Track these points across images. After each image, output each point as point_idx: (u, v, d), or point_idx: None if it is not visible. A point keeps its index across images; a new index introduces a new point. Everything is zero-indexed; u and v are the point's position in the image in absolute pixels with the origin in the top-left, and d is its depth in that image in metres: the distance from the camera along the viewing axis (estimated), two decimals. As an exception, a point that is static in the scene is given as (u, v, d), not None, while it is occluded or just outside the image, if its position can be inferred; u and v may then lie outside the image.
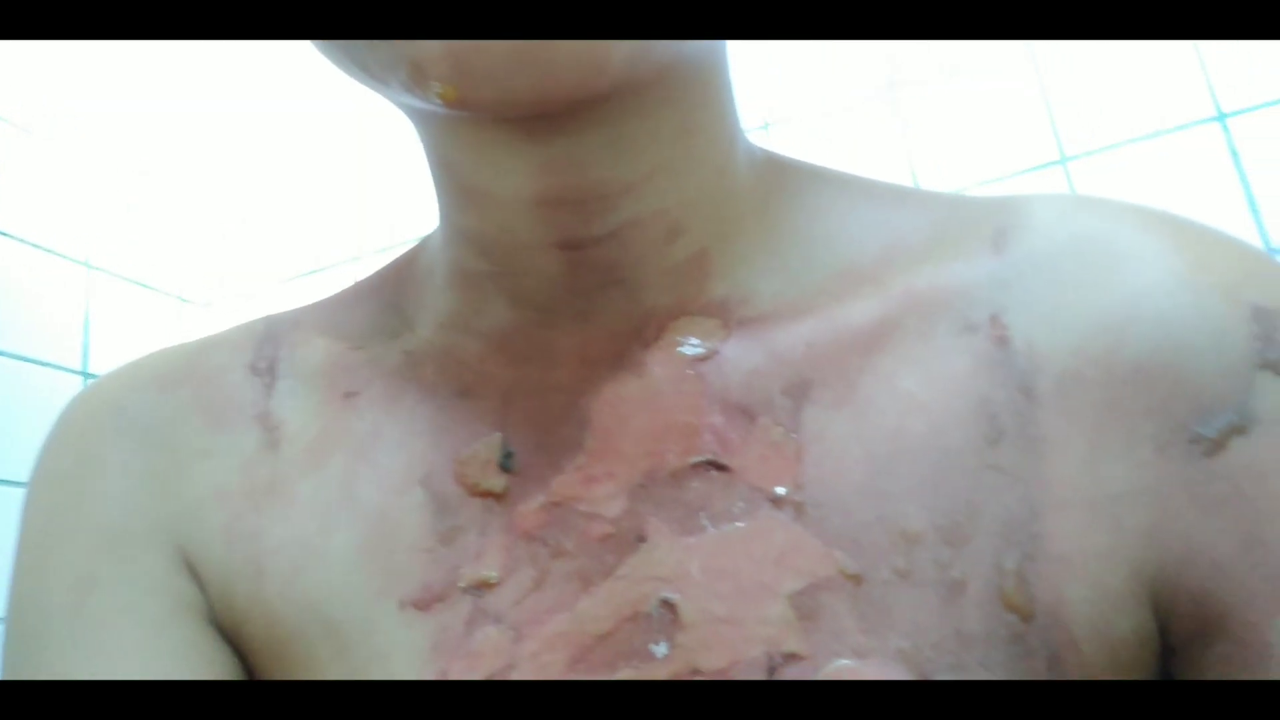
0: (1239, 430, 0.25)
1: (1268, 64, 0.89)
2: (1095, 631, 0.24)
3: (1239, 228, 0.88)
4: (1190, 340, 0.26)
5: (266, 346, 0.34)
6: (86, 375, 0.98)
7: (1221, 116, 0.90)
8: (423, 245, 0.35)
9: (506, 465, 0.29)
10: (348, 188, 1.21)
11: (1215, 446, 0.25)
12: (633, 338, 0.30)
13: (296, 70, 1.25)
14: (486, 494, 0.29)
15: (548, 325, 0.30)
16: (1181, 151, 0.91)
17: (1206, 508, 0.24)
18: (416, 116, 0.28)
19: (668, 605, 0.26)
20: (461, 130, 0.27)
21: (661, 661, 0.26)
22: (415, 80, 0.23)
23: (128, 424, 0.32)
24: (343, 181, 1.21)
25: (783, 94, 1.06)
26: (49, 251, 0.97)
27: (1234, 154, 0.89)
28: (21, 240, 0.95)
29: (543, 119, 0.25)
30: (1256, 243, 0.87)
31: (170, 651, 0.28)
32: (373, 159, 1.20)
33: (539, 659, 0.27)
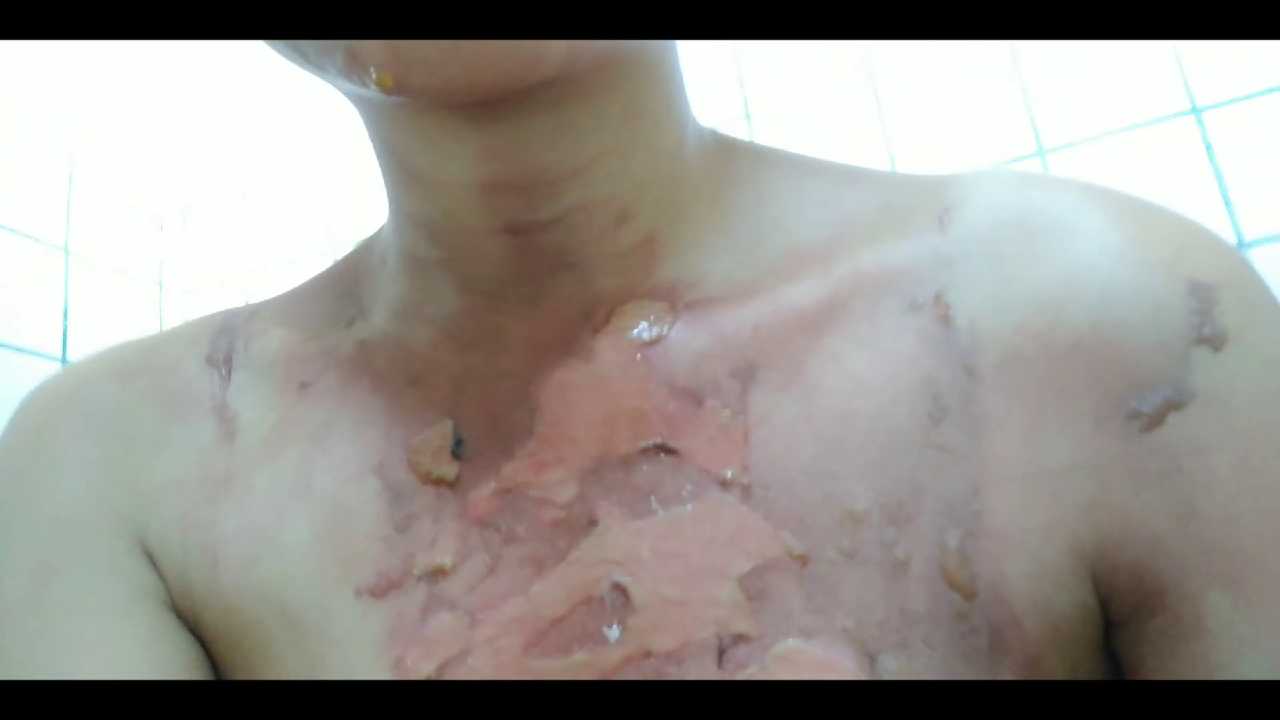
0: (1175, 405, 0.25)
1: (1242, 59, 0.90)
2: (1036, 608, 0.25)
3: (1213, 220, 0.89)
4: (1128, 316, 0.26)
5: (222, 339, 0.34)
6: (65, 362, 0.97)
7: (1196, 110, 0.91)
8: (376, 234, 0.35)
9: (458, 452, 0.29)
10: (329, 178, 1.20)
11: (1152, 422, 0.25)
12: (581, 323, 0.29)
13: (281, 60, 1.24)
14: (439, 481, 0.29)
15: (497, 311, 0.30)
16: (1157, 145, 0.92)
17: (1144, 483, 0.25)
18: (359, 101, 0.28)
19: (619, 588, 0.27)
20: (403, 116, 0.26)
21: (614, 644, 0.26)
22: (352, 67, 0.23)
23: (85, 416, 0.32)
24: (324, 172, 1.21)
25: (763, 84, 1.07)
26: (27, 237, 0.97)
27: (1208, 147, 0.90)
28: (0, 226, 0.94)
29: (484, 105, 0.25)
30: (1230, 236, 0.88)
31: (131, 638, 0.29)
32: (355, 150, 1.20)
33: (494, 644, 0.27)
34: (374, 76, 0.23)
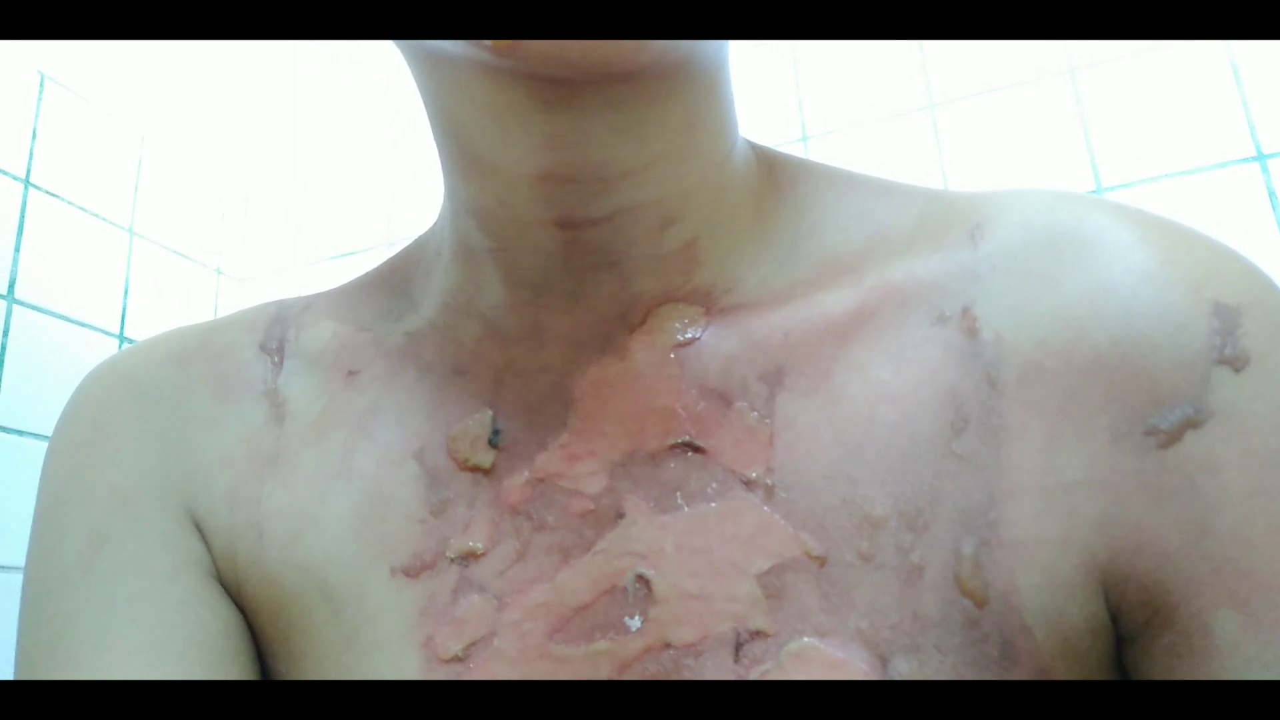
0: (1193, 424, 0.25)
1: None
2: (1047, 619, 0.25)
3: (1275, 269, 0.87)
4: (1150, 333, 0.26)
5: (276, 328, 0.36)
6: (123, 339, 1.00)
7: (1261, 157, 0.89)
8: (430, 231, 0.36)
9: (495, 441, 0.30)
10: (388, 172, 1.22)
11: (1169, 439, 0.25)
12: (619, 322, 0.30)
13: (346, 51, 1.27)
14: (476, 468, 0.30)
15: (539, 305, 0.31)
16: (1219, 190, 0.90)
17: (1158, 498, 0.25)
18: (431, 72, 0.28)
19: (642, 580, 0.27)
20: (476, 91, 0.27)
21: (635, 634, 0.27)
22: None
23: (142, 394, 0.34)
24: (383, 166, 1.23)
25: (821, 107, 1.07)
26: (94, 215, 1.00)
27: (1271, 195, 0.88)
28: (69, 202, 0.97)
29: (558, 89, 0.25)
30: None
31: (175, 602, 0.30)
32: (414, 145, 1.22)
33: (520, 627, 0.28)
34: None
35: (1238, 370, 0.25)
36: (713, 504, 0.28)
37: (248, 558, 0.31)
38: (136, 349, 0.36)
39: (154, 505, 0.32)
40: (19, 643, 0.31)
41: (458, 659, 0.28)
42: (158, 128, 1.11)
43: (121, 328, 1.01)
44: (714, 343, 0.30)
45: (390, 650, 0.28)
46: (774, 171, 0.33)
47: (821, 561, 0.26)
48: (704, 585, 0.27)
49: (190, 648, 0.29)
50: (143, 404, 0.34)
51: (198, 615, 0.30)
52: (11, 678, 0.31)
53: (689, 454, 0.28)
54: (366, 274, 0.38)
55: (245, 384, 0.34)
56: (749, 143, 0.34)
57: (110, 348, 0.99)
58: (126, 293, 1.02)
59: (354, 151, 1.24)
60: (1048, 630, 0.25)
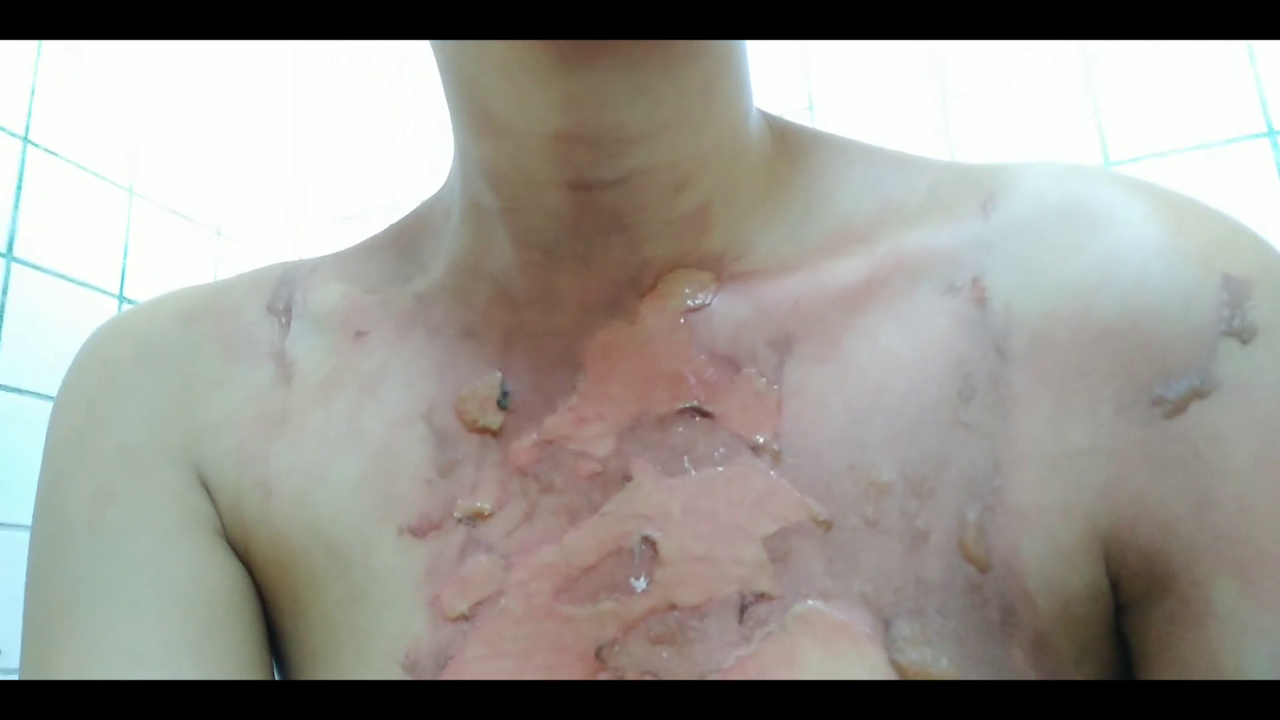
0: (1199, 394, 0.25)
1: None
2: (1048, 585, 0.25)
3: (1280, 244, 0.87)
4: (1159, 305, 0.26)
5: (283, 289, 0.35)
6: (123, 300, 1.00)
7: (1272, 132, 0.89)
8: (439, 193, 0.36)
9: (504, 403, 0.30)
10: (388, 137, 1.22)
11: (1175, 409, 0.25)
12: (629, 286, 0.30)
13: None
14: (484, 430, 0.30)
15: (550, 268, 0.31)
16: (1229, 165, 0.90)
17: (1162, 468, 0.25)
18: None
19: (649, 542, 0.28)
20: (492, 48, 0.27)
21: (640, 595, 0.27)
22: None
23: (148, 353, 0.34)
24: (383, 130, 1.22)
25: (829, 76, 1.06)
26: (94, 174, 0.99)
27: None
28: (68, 160, 0.96)
29: (577, 48, 0.25)
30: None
31: (181, 560, 0.30)
32: (417, 108, 1.21)
33: (526, 587, 0.28)
34: None
35: (1245, 342, 0.25)
36: (720, 468, 0.28)
37: (254, 516, 0.31)
38: (142, 308, 0.36)
39: (161, 463, 0.32)
40: (27, 601, 0.31)
41: (464, 617, 0.28)
42: (157, 86, 1.10)
43: (121, 288, 1.00)
44: (724, 309, 0.30)
45: (397, 608, 0.29)
46: (786, 140, 0.33)
47: (827, 526, 0.27)
48: (710, 548, 0.27)
49: (197, 605, 0.29)
50: (149, 362, 0.34)
51: (204, 572, 0.30)
52: (19, 636, 0.31)
53: (697, 418, 0.29)
54: (374, 236, 0.38)
55: (252, 344, 0.34)
56: (762, 111, 0.34)
57: (110, 308, 0.99)
58: (126, 253, 1.02)
59: (355, 114, 1.23)
60: (1049, 596, 0.25)
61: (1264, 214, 0.88)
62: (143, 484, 0.31)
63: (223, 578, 0.31)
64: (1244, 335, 0.25)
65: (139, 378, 0.33)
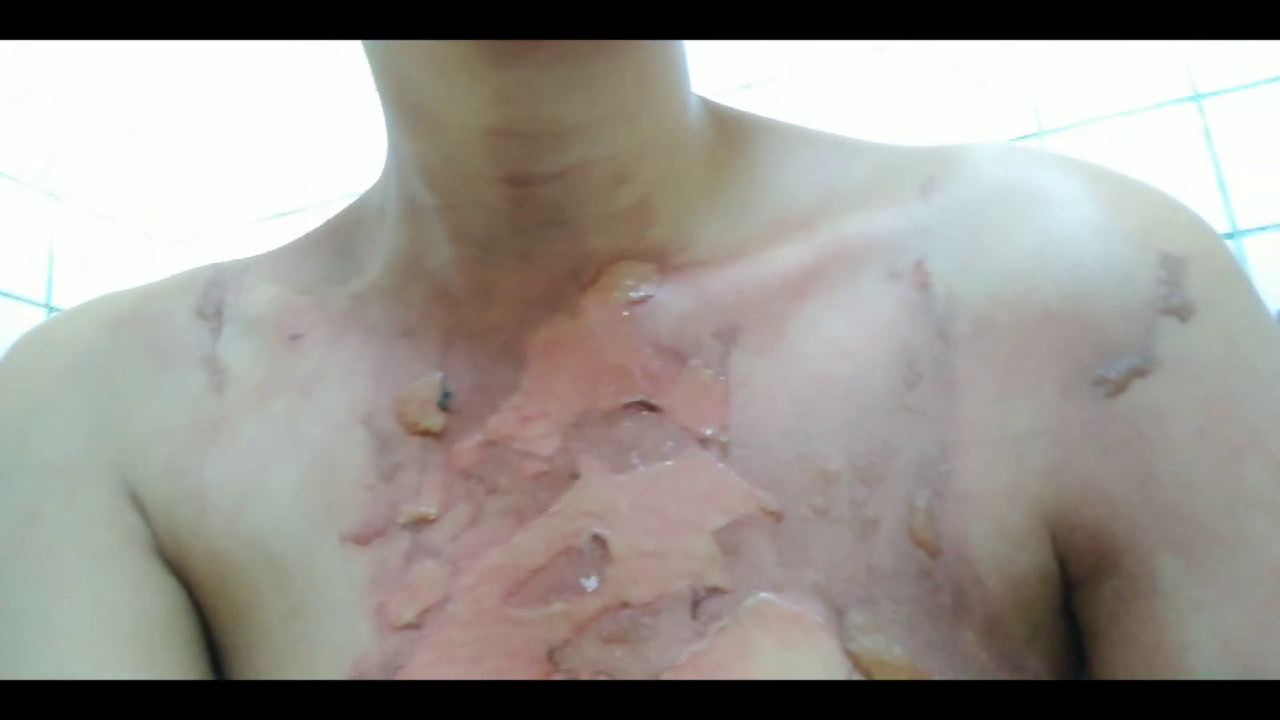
0: (1140, 372, 0.25)
1: (1245, 48, 0.90)
2: (998, 568, 0.25)
3: (1208, 209, 0.89)
4: (1098, 285, 0.26)
5: (214, 291, 0.34)
6: (50, 308, 0.97)
7: (1198, 97, 0.91)
8: (372, 189, 0.35)
9: (445, 404, 0.30)
10: (322, 131, 1.19)
11: (1117, 388, 0.25)
12: (570, 280, 0.30)
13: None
14: (425, 432, 0.30)
15: (489, 264, 0.30)
16: (1157, 130, 0.92)
17: (1105, 447, 0.25)
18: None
19: (598, 540, 0.27)
20: (424, 46, 0.26)
21: (592, 594, 0.27)
22: None
23: (72, 364, 0.33)
24: (317, 125, 1.20)
25: (763, 54, 1.06)
26: (14, 180, 0.96)
27: (1208, 134, 0.90)
28: (-16, 168, 0.93)
29: (511, 43, 0.25)
30: (1224, 225, 0.88)
31: (114, 581, 0.29)
32: (347, 103, 1.19)
33: (475, 591, 0.27)
34: None
35: (1183, 320, 0.25)
36: (668, 462, 0.27)
37: (190, 530, 0.30)
38: (65, 317, 0.35)
39: (89, 480, 0.31)
40: None
41: (411, 625, 0.27)
42: (72, 87, 1.06)
43: (49, 295, 0.97)
44: (668, 300, 0.29)
45: (341, 619, 0.28)
46: (726, 128, 0.33)
47: (777, 517, 0.26)
48: (660, 543, 0.27)
49: (132, 627, 0.28)
50: (73, 374, 0.32)
51: (139, 592, 0.29)
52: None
53: (643, 413, 0.28)
54: (306, 235, 0.37)
55: (182, 351, 0.33)
56: (701, 99, 0.33)
57: (37, 317, 0.96)
58: (52, 260, 0.99)
59: (281, 109, 1.21)
60: (998, 579, 0.25)
61: (1189, 178, 0.90)
62: (71, 503, 0.30)
63: (159, 597, 0.30)
64: (1182, 313, 0.25)
65: (63, 391, 0.32)
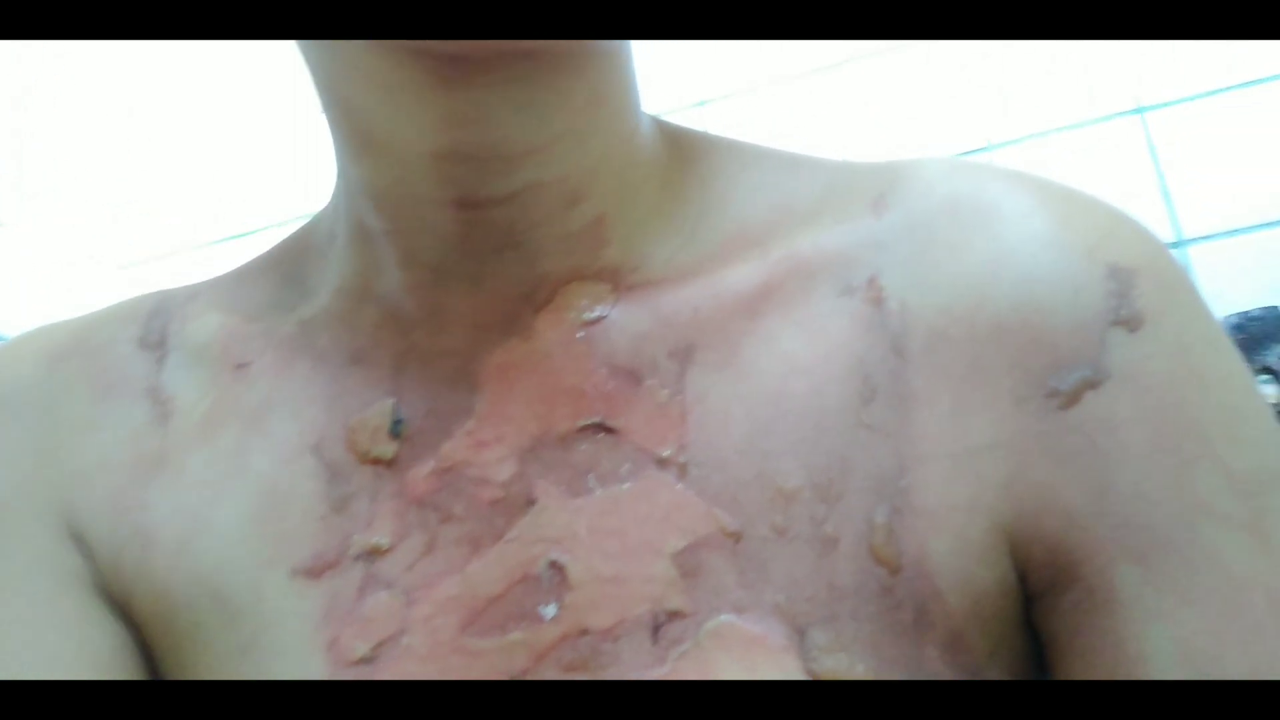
0: (1091, 384, 0.25)
1: (1187, 61, 0.92)
2: (959, 583, 0.25)
3: (1153, 218, 0.91)
4: (1048, 298, 0.26)
5: (157, 320, 0.33)
6: (-7, 338, 0.94)
7: (1141, 110, 0.93)
8: (323, 211, 0.35)
9: (396, 431, 0.29)
10: (270, 155, 1.18)
11: (1069, 400, 0.25)
12: (524, 302, 0.29)
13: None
14: (377, 461, 0.29)
15: (439, 287, 0.30)
16: (1102, 142, 0.93)
17: (1060, 459, 0.25)
18: (319, 46, 0.27)
19: (556, 566, 0.27)
20: (368, 67, 0.25)
21: (551, 622, 0.26)
22: None
23: (10, 399, 0.32)
24: (265, 149, 1.18)
25: (717, 72, 1.07)
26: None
27: (1151, 146, 0.92)
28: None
29: (457, 66, 0.24)
30: (1169, 234, 0.90)
31: (58, 624, 0.28)
32: (299, 126, 1.17)
33: (431, 623, 0.27)
34: None
35: (1133, 330, 0.26)
36: (625, 485, 0.27)
37: (134, 568, 0.29)
38: (4, 350, 0.34)
39: (28, 521, 0.30)
40: None
41: (365, 660, 0.27)
42: (24, 118, 1.04)
43: (-10, 326, 0.95)
44: (623, 320, 0.29)
45: (292, 656, 0.27)
46: (678, 146, 0.33)
47: (736, 537, 0.26)
48: (619, 568, 0.26)
49: (75, 669, 0.28)
50: (11, 410, 0.31)
51: (83, 635, 0.28)
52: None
53: (600, 434, 0.28)
54: (254, 260, 0.36)
55: (125, 382, 0.32)
56: (653, 118, 0.33)
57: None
58: (-5, 288, 0.97)
59: (235, 131, 1.19)
60: (959, 593, 0.25)
61: (1136, 188, 0.92)
62: (9, 545, 0.29)
63: (103, 638, 0.29)
64: (1131, 324, 0.26)
65: (0, 426, 0.31)
